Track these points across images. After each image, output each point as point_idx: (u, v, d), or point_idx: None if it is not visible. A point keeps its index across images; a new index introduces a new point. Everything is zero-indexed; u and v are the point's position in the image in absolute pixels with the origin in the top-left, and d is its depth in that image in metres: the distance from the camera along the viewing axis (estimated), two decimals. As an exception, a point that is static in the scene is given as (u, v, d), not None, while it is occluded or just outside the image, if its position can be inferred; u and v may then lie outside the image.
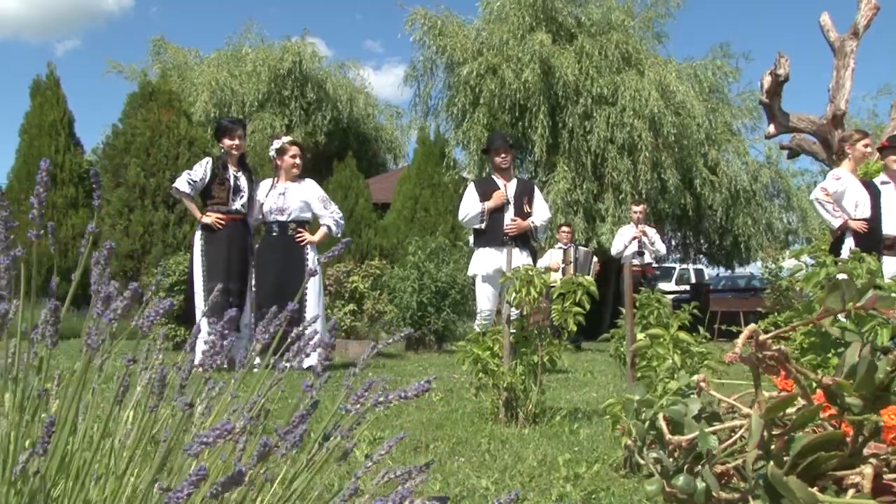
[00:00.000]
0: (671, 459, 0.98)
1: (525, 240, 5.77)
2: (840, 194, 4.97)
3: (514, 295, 3.40)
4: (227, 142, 5.47)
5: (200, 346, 5.44)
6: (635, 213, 8.82)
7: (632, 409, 1.08)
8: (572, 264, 9.21)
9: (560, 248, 9.53)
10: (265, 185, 5.62)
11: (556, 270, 8.79)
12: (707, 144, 14.41)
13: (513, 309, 3.50)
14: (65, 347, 7.45)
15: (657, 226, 14.76)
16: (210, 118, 15.94)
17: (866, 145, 5.02)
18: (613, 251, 8.96)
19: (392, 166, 21.48)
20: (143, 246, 10.79)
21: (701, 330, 3.85)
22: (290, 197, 5.57)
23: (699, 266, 20.23)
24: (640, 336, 2.60)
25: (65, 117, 11.45)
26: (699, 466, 0.94)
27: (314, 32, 60.80)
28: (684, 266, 20.40)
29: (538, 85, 13.36)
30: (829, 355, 2.94)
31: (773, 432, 0.93)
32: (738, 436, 0.96)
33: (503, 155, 5.73)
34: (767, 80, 8.53)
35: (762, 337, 0.98)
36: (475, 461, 2.64)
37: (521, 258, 5.46)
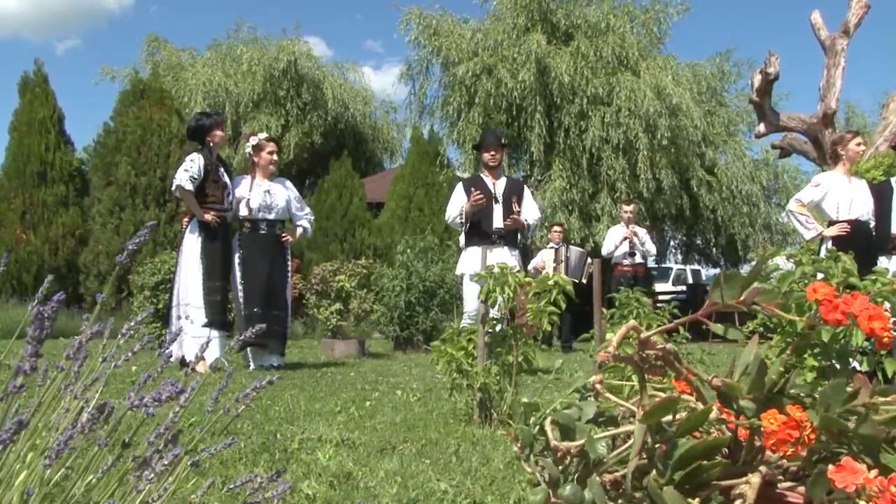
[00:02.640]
0: (561, 467, 0.92)
1: (514, 239, 5.73)
2: (819, 200, 4.96)
3: (487, 294, 3.34)
4: (219, 133, 5.37)
5: (189, 344, 5.34)
6: (626, 213, 8.76)
7: (519, 412, 1.02)
8: (563, 264, 9.15)
9: (552, 247, 9.48)
10: (245, 181, 5.55)
11: (543, 270, 8.73)
12: (704, 145, 14.37)
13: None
14: (48, 346, 7.39)
15: (654, 225, 14.73)
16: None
17: (858, 144, 5.00)
18: (604, 251, 8.90)
19: (388, 165, 21.43)
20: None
21: (681, 330, 3.80)
22: (277, 195, 5.53)
23: (696, 266, 20.18)
24: (608, 336, 2.54)
25: (54, 114, 11.38)
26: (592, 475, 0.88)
27: (314, 32, 60.80)
28: (681, 266, 20.35)
29: (534, 85, 13.32)
30: (806, 356, 2.88)
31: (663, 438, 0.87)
32: (630, 442, 0.90)
33: (493, 153, 5.69)
34: (758, 79, 8.47)
35: (644, 334, 0.92)
36: (441, 463, 2.58)
37: (509, 257, 5.42)
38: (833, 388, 0.88)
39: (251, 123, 16.82)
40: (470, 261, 5.61)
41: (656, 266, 18.78)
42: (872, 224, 4.97)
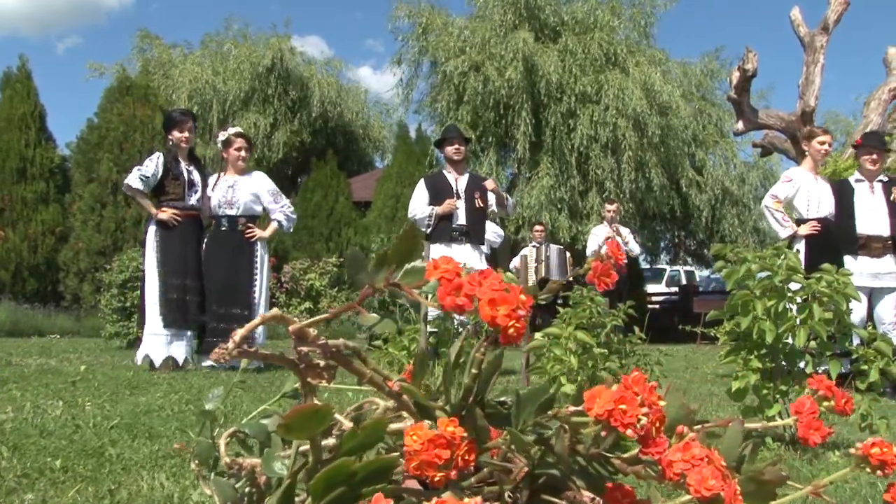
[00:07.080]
0: (256, 490, 0.81)
1: (480, 236, 5.62)
2: (791, 196, 4.84)
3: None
4: (176, 134, 5.23)
5: (149, 345, 5.25)
6: (609, 212, 8.67)
7: (201, 422, 0.91)
8: (544, 262, 9.07)
9: (533, 246, 9.40)
10: (213, 178, 5.45)
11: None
12: (694, 145, 14.25)
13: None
14: (19, 343, 7.29)
15: (644, 225, 14.59)
16: (192, 116, 15.72)
17: (822, 142, 4.88)
18: (588, 251, 8.82)
19: (380, 164, 21.29)
20: (115, 242, 10.63)
21: (636, 330, 3.66)
22: (240, 190, 5.39)
23: (689, 268, 20.06)
24: (538, 336, 2.43)
25: (35, 110, 11.27)
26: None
27: (314, 31, 60.75)
28: (675, 268, 20.23)
29: (521, 83, 13.21)
30: (751, 357, 2.77)
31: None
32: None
33: (456, 146, 5.61)
34: (735, 76, 8.36)
35: (295, 325, 0.80)
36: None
37: (471, 254, 5.32)
38: (525, 396, 0.76)
39: (239, 122, 16.69)
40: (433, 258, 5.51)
41: (650, 267, 18.67)
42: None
